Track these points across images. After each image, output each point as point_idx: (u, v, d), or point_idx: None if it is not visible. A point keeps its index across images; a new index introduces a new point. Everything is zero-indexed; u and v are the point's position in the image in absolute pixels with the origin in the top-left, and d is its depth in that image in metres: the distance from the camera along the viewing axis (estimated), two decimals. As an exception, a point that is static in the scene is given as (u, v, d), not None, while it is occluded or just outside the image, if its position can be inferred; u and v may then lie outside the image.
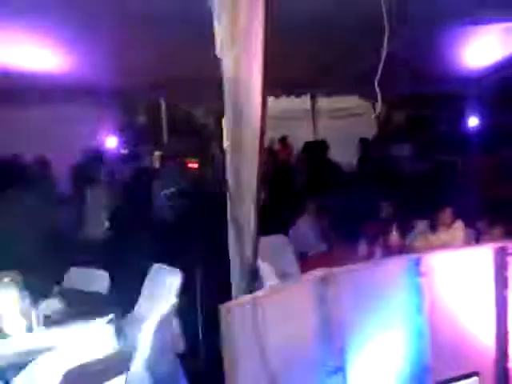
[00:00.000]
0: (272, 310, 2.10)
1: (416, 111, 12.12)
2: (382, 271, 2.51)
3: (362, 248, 3.68)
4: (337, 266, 2.42)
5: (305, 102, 11.50)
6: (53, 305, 3.34)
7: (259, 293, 2.18)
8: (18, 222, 4.44)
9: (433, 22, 6.44)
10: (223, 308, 1.90)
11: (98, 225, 4.86)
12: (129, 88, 8.51)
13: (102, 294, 3.79)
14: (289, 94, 10.31)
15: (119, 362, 2.90)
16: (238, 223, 2.35)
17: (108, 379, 2.66)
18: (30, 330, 3.05)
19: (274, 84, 8.82)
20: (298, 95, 10.16)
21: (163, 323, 3.26)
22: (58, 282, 3.89)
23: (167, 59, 7.58)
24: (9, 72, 6.83)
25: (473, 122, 8.29)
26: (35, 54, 6.77)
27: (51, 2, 5.38)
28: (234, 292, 2.34)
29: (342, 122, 12.21)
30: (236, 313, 1.95)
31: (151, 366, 3.09)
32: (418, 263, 2.48)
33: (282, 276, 4.28)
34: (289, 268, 4.50)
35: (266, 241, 4.60)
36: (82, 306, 3.43)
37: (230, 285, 2.35)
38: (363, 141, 8.99)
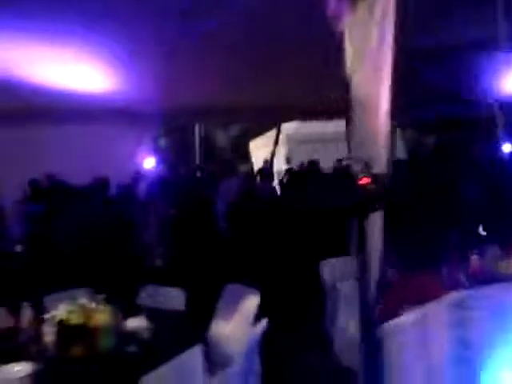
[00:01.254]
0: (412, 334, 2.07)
1: (446, 136, 12.12)
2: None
3: (446, 274, 3.61)
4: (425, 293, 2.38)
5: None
6: (138, 322, 3.30)
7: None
8: (87, 240, 4.44)
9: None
10: (387, 327, 1.87)
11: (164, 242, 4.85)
12: (170, 110, 8.62)
13: (180, 312, 3.75)
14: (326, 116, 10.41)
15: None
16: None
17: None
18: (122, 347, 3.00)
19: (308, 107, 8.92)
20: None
21: (252, 345, 3.21)
22: (132, 300, 3.85)
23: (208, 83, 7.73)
24: (49, 90, 6.95)
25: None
26: (79, 71, 6.89)
27: (104, 20, 5.51)
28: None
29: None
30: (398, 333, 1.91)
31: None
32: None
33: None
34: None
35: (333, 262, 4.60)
36: (164, 325, 3.38)
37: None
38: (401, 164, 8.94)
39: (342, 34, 2.34)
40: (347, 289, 4.13)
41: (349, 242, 4.16)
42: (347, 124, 2.31)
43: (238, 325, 3.78)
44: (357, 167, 2.22)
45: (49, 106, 7.62)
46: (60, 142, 7.90)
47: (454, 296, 2.27)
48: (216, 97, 8.55)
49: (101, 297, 3.14)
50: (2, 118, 7.39)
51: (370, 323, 2.28)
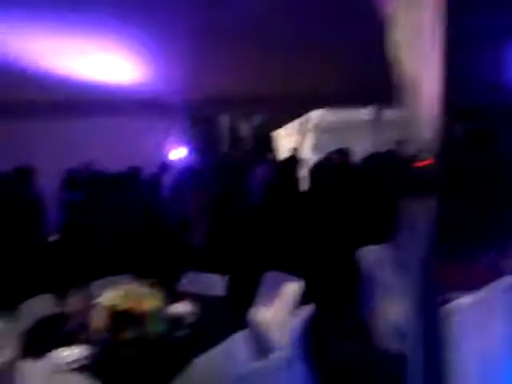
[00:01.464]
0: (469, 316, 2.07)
1: (476, 124, 11.87)
2: None
3: (492, 260, 3.57)
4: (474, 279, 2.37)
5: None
6: (183, 307, 3.34)
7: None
8: (124, 227, 4.51)
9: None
10: (446, 310, 1.88)
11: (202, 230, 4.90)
12: (198, 101, 8.65)
13: (221, 298, 3.80)
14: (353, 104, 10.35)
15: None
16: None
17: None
18: (171, 332, 3.05)
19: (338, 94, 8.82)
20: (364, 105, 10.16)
21: (296, 332, 3.23)
22: (173, 286, 3.91)
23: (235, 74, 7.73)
24: (78, 82, 7.02)
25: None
26: (109, 62, 6.94)
27: (132, 10, 5.52)
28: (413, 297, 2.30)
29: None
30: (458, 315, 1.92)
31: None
32: None
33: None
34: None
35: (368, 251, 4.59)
36: (207, 310, 3.42)
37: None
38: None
39: (388, 18, 2.32)
40: (387, 276, 4.12)
41: (396, 228, 4.13)
42: (397, 109, 2.30)
43: (278, 311, 3.81)
44: (412, 150, 2.21)
45: (80, 98, 7.72)
46: (91, 133, 8.01)
47: (507, 280, 2.26)
48: (242, 86, 8.55)
49: (149, 282, 3.18)
50: (35, 109, 7.51)
51: (424, 307, 2.28)
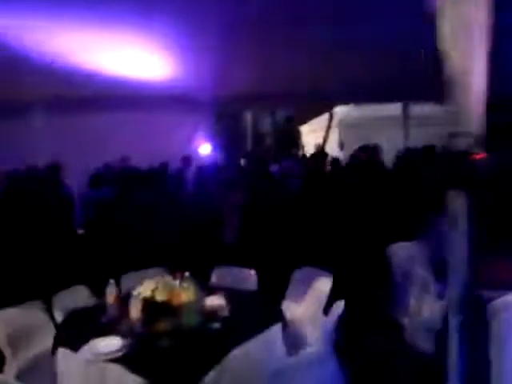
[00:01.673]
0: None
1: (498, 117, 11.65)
2: None
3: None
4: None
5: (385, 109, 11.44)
6: (217, 301, 3.36)
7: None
8: (160, 222, 4.56)
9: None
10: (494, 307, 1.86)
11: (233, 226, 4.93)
12: (226, 98, 8.66)
13: (253, 292, 3.81)
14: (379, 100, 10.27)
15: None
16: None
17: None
18: (205, 325, 3.07)
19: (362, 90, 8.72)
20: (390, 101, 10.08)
21: (328, 328, 3.22)
22: (205, 280, 3.93)
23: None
24: (105, 77, 7.06)
25: None
26: (138, 57, 6.97)
27: (162, 5, 5.54)
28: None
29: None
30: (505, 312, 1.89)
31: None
32: None
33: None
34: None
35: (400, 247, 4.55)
36: (240, 304, 3.43)
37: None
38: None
39: (436, 12, 2.29)
40: (419, 273, 4.09)
41: (429, 224, 4.10)
42: (443, 103, 2.28)
43: (310, 307, 3.81)
44: (466, 143, 2.18)
45: (108, 93, 7.77)
46: (117, 129, 8.07)
47: None
48: (268, 82, 8.53)
49: (182, 275, 3.21)
50: (64, 105, 7.58)
51: (465, 303, 2.26)
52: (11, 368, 3.19)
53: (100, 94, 7.76)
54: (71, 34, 5.74)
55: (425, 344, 3.89)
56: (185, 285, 3.15)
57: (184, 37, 6.33)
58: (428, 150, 6.46)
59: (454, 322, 2.39)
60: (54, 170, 5.78)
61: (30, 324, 3.39)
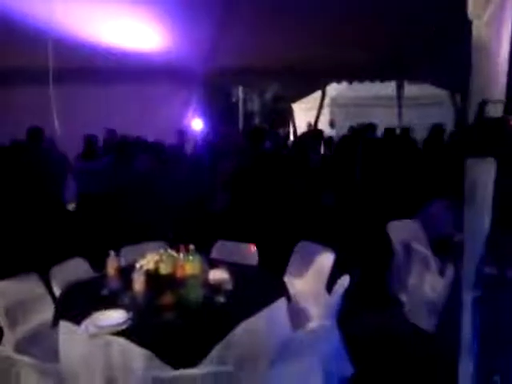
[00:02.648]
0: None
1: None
2: None
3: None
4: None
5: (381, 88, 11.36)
6: (220, 274, 3.30)
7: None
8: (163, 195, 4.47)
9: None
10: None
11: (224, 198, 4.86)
12: (218, 72, 8.49)
13: (254, 266, 3.76)
14: (373, 78, 10.16)
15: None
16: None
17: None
18: (209, 298, 3.01)
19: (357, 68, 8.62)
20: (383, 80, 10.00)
21: (332, 304, 3.19)
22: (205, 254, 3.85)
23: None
24: (102, 49, 6.86)
25: None
26: (133, 29, 6.77)
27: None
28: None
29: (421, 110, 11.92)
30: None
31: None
32: None
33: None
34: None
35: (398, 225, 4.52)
36: (243, 278, 3.37)
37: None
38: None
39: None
40: (420, 249, 4.07)
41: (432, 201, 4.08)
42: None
43: (311, 282, 3.78)
44: (497, 110, 2.12)
45: (99, 65, 7.55)
46: (111, 101, 7.89)
47: None
48: (259, 59, 8.40)
49: (189, 247, 3.13)
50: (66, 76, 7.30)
51: (481, 280, 2.23)
52: (9, 340, 3.11)
53: (88, 65, 7.54)
54: (65, 3, 5.56)
55: (426, 321, 3.88)
56: (189, 258, 3.07)
57: (177, 7, 6.17)
58: (436, 128, 6.41)
59: (467, 298, 2.36)
60: (35, 136, 5.53)
61: (26, 296, 3.30)
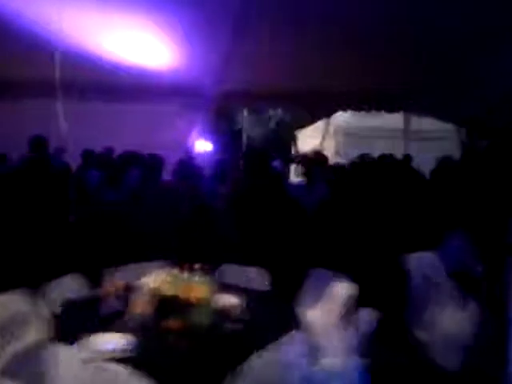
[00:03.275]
0: None
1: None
2: None
3: None
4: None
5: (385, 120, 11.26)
6: (229, 299, 3.03)
7: None
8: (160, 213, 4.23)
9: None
10: None
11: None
12: (225, 94, 8.39)
13: (265, 292, 3.49)
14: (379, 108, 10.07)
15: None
16: None
17: None
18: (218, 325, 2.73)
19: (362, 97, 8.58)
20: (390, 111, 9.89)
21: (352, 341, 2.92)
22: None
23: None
24: (112, 63, 6.72)
25: None
26: (143, 44, 6.65)
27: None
28: None
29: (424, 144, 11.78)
30: None
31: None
32: None
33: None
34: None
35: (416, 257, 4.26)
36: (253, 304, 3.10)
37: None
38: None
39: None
40: (445, 283, 3.81)
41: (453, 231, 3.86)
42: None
43: (327, 314, 3.49)
44: None
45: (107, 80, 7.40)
46: (117, 119, 7.74)
47: None
48: (269, 82, 8.33)
49: (195, 267, 2.86)
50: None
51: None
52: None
53: (96, 79, 7.40)
54: (80, 14, 5.45)
55: (449, 361, 3.59)
56: (196, 278, 2.79)
57: (192, 28, 6.09)
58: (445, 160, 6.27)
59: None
60: (38, 145, 5.30)
61: (17, 314, 2.98)
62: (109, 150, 6.97)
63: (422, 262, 4.08)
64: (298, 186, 7.06)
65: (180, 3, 5.51)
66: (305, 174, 7.28)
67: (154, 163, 5.63)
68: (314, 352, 3.03)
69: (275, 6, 5.45)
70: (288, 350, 2.64)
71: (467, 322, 3.50)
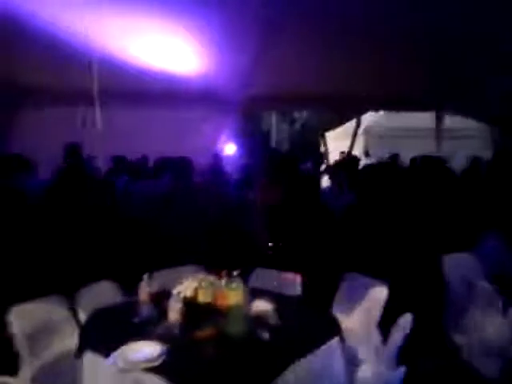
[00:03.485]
0: None
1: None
2: None
3: None
4: None
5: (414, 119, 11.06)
6: (263, 306, 2.96)
7: None
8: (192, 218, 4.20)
9: None
10: None
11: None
12: (253, 99, 8.36)
13: (298, 297, 3.41)
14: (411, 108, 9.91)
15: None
16: None
17: None
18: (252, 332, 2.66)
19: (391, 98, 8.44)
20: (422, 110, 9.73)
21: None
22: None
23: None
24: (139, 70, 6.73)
25: None
26: (173, 50, 6.64)
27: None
28: None
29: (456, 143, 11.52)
30: None
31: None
32: None
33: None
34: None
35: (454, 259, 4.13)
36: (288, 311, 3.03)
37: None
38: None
39: None
40: (484, 286, 3.67)
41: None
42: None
43: (362, 319, 3.40)
44: None
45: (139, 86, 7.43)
46: (146, 123, 7.76)
47: None
48: (296, 85, 8.29)
49: (232, 273, 2.79)
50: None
51: None
52: (27, 371, 2.79)
53: (129, 86, 7.43)
54: (108, 21, 5.47)
55: (488, 367, 3.46)
56: (232, 285, 2.74)
57: (219, 33, 6.08)
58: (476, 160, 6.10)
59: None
60: (73, 152, 5.35)
61: (49, 321, 2.99)
62: (144, 158, 7.05)
63: (459, 263, 3.95)
64: (327, 190, 6.97)
65: (208, 9, 5.49)
66: (334, 177, 7.19)
67: (184, 167, 5.60)
68: (352, 360, 2.96)
69: (302, 10, 5.40)
70: (327, 358, 2.56)
71: (507, 327, 3.35)
